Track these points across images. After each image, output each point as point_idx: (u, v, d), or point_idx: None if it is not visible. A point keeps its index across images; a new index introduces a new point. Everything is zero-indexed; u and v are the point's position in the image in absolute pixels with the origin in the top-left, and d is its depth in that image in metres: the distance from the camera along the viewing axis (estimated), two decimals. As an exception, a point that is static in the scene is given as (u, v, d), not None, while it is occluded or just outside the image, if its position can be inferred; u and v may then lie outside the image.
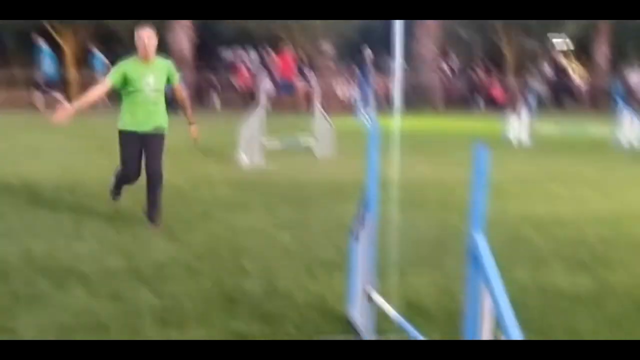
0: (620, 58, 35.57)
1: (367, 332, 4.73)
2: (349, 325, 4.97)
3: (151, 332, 4.78)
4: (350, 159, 13.53)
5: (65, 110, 7.51)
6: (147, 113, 7.59)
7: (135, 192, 8.23)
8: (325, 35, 32.58)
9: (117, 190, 8.22)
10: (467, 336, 3.15)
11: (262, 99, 14.49)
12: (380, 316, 4.78)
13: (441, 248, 7.21)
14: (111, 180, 8.18)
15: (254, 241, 7.47)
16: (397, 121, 5.14)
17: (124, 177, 7.96)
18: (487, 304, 3.08)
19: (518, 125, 19.71)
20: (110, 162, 12.48)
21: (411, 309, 5.23)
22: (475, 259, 3.10)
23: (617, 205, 10.03)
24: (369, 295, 4.75)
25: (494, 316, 3.07)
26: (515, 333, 2.76)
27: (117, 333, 4.75)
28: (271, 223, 8.33)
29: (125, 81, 7.50)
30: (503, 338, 2.86)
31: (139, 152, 7.66)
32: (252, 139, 13.79)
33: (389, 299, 4.92)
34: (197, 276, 6.12)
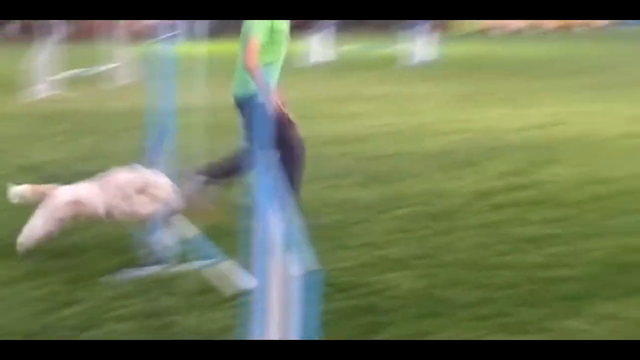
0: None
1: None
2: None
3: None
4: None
5: None
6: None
7: None
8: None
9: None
10: (257, 253, 3.24)
11: (58, 26, 13.84)
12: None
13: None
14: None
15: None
16: (203, 46, 5.11)
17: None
18: (275, 225, 3.16)
19: (320, 45, 20.08)
20: None
21: (213, 230, 5.30)
22: (260, 177, 3.18)
23: (412, 119, 10.57)
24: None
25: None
26: (301, 248, 2.88)
27: None
28: (72, 155, 8.10)
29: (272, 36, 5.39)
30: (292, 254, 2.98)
31: None
32: (47, 68, 13.19)
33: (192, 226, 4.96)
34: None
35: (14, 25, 28.33)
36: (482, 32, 32.65)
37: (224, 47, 23.09)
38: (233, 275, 4.43)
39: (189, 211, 5.04)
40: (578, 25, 33.43)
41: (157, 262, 4.71)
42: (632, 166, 7.52)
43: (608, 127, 9.71)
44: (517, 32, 33.17)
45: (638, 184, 6.81)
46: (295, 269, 2.96)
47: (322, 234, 5.13)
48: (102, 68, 15.17)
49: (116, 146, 8.56)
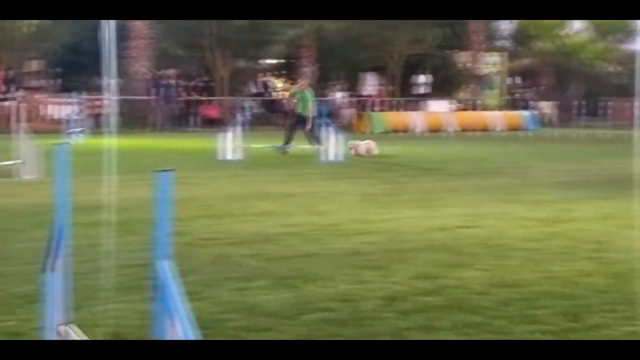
0: (324, 78, 38.06)
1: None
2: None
3: None
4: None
5: None
6: None
7: None
8: (34, 53, 31.56)
9: None
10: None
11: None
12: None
13: (150, 271, 7.09)
14: None
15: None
16: (111, 140, 4.98)
17: None
18: (175, 331, 3.05)
19: (231, 143, 20.11)
20: None
21: (110, 338, 5.07)
22: (159, 287, 3.06)
23: (320, 220, 10.51)
24: (61, 330, 4.52)
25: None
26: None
27: None
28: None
29: None
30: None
31: None
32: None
33: (89, 329, 4.74)
34: None
35: None
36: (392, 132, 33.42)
37: (132, 141, 23.01)
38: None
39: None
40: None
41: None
42: (537, 270, 7.63)
43: (511, 229, 9.88)
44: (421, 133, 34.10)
45: (545, 288, 6.91)
46: None
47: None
48: (6, 163, 14.78)
49: (13, 245, 8.24)
